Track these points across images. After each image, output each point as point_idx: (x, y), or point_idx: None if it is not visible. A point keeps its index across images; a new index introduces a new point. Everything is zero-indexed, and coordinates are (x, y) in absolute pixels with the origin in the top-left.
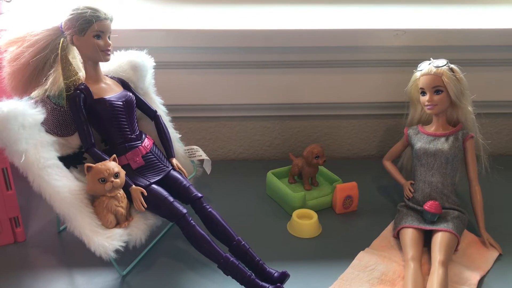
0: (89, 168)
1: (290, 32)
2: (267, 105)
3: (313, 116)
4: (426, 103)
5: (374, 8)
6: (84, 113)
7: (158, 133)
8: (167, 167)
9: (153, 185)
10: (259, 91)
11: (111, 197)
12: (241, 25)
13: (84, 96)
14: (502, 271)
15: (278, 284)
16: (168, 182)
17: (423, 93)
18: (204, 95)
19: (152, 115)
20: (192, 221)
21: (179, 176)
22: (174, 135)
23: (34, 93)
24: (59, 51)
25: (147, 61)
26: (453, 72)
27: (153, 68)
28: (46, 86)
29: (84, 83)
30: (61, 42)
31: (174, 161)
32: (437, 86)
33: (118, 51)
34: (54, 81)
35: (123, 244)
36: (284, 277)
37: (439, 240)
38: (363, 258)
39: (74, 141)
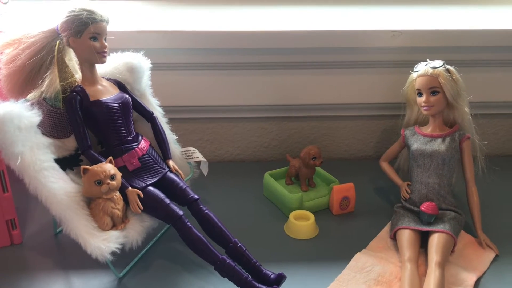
0: (85, 170)
1: (287, 33)
2: (265, 106)
3: (310, 117)
4: (423, 104)
5: (370, 9)
6: (80, 115)
7: (154, 135)
8: (164, 169)
9: (150, 187)
10: (257, 92)
11: (107, 199)
12: (238, 26)
13: (80, 98)
14: (498, 272)
15: (275, 286)
16: (165, 184)
17: (420, 94)
18: (201, 97)
19: (149, 116)
20: (188, 223)
21: (176, 178)
22: (171, 136)
23: (30, 95)
24: (55, 53)
25: (143, 63)
26: (450, 73)
27: (150, 70)
28: (43, 88)
29: (80, 85)
30: (57, 44)
31: (171, 163)
32: (433, 87)
33: (114, 52)
34: (50, 83)
35: (120, 246)
36: (280, 279)
37: (435, 241)
38: (359, 259)
39: (71, 143)
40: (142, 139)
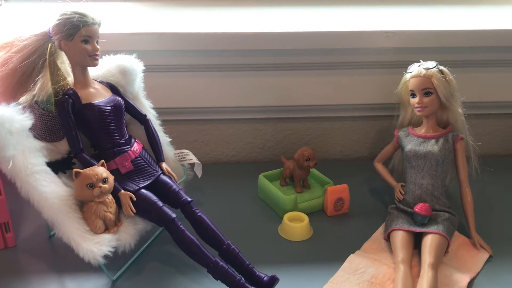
0: (77, 173)
1: (280, 34)
2: (260, 107)
3: (305, 118)
4: (416, 105)
5: (364, 10)
6: (73, 118)
7: (147, 137)
8: (157, 171)
9: (142, 190)
10: (251, 93)
11: (100, 202)
12: (232, 27)
13: (72, 101)
14: (492, 273)
15: None
16: (158, 187)
17: (413, 95)
18: (196, 98)
19: (142, 119)
20: (181, 226)
21: (169, 181)
22: (164, 139)
23: (22, 99)
24: (47, 56)
25: (136, 65)
26: (443, 74)
27: (143, 72)
28: (34, 92)
29: (72, 88)
30: (49, 47)
31: (164, 165)
32: (426, 88)
33: (107, 55)
34: (42, 86)
35: (112, 250)
36: (273, 281)
37: (429, 243)
38: (353, 261)
39: (63, 146)
40: (135, 141)
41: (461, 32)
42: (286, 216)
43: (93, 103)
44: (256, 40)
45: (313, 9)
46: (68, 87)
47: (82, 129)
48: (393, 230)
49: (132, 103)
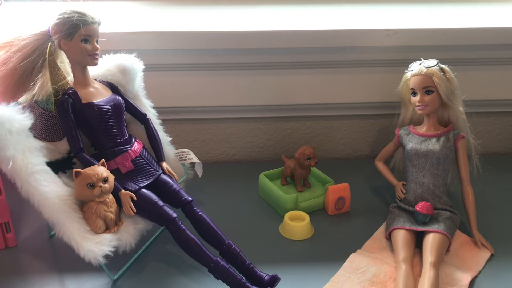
0: (77, 173)
1: (281, 33)
2: (260, 106)
3: (306, 117)
4: (417, 104)
5: (365, 8)
6: (73, 117)
7: (148, 137)
8: (157, 171)
9: (143, 190)
10: (251, 92)
11: (100, 202)
12: (232, 26)
13: (72, 101)
14: (493, 272)
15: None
16: (158, 186)
17: (414, 93)
18: (196, 97)
19: (142, 118)
20: (182, 225)
21: (169, 180)
22: (165, 138)
23: (22, 98)
24: (47, 56)
25: (136, 64)
26: (444, 72)
27: (143, 71)
28: (34, 91)
29: (72, 88)
30: (48, 47)
31: (164, 164)
32: (427, 86)
33: (106, 54)
34: (42, 86)
35: (113, 249)
36: (274, 280)
37: (430, 242)
38: (354, 260)
39: (63, 146)
40: (135, 141)
41: (462, 30)
42: (287, 215)
43: (93, 102)
44: (256, 39)
45: (313, 7)
46: (68, 86)
47: (82, 128)
48: (395, 229)
49: (132, 102)
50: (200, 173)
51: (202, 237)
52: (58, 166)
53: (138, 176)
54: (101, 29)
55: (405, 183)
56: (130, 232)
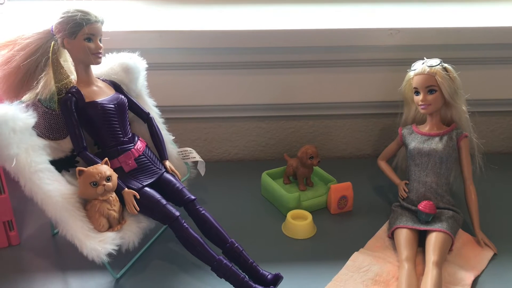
0: (80, 171)
1: (283, 32)
2: (262, 105)
3: (308, 116)
4: (420, 103)
5: (367, 7)
6: (76, 116)
7: (151, 135)
8: (160, 169)
9: (146, 188)
10: (254, 91)
11: (103, 200)
12: (234, 25)
13: (75, 100)
14: (496, 271)
15: (271, 286)
16: (161, 185)
17: (417, 92)
18: (198, 96)
19: (145, 117)
20: (185, 224)
21: (172, 179)
22: (168, 137)
23: (26, 97)
24: (50, 54)
25: (139, 63)
26: (447, 72)
27: (146, 70)
28: (38, 90)
29: (75, 86)
30: (52, 45)
31: (167, 163)
32: (430, 85)
33: (110, 53)
34: (45, 84)
35: (116, 248)
36: (277, 279)
37: (433, 241)
38: (357, 259)
39: (66, 144)
40: (139, 139)
41: (465, 30)
42: (289, 214)
43: (96, 101)
44: (259, 38)
45: (315, 6)
46: (71, 85)
47: (85, 127)
48: (397, 228)
49: (135, 101)
50: (202, 172)
51: (205, 235)
52: (61, 164)
53: (141, 174)
54: (105, 28)
55: (407, 182)
56: (133, 230)
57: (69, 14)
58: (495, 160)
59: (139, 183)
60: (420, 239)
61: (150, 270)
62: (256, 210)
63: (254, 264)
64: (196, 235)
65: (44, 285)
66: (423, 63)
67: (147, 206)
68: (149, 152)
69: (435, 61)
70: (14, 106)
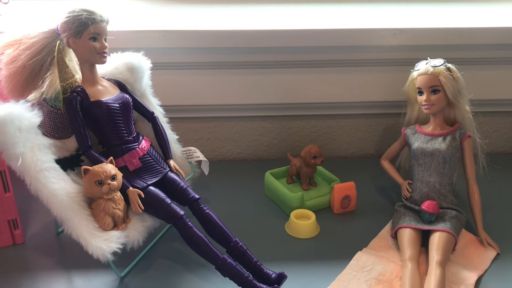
0: (85, 170)
1: (287, 32)
2: (265, 105)
3: (311, 116)
4: (423, 103)
5: (371, 8)
6: (81, 115)
7: (155, 135)
8: (165, 168)
9: (150, 187)
10: (257, 91)
11: (108, 199)
12: (238, 25)
13: (80, 99)
14: (499, 271)
15: (276, 285)
16: (166, 184)
17: (420, 92)
18: (202, 96)
19: (150, 116)
20: (189, 223)
21: (177, 178)
22: (172, 136)
23: (31, 96)
24: (56, 54)
25: (144, 63)
26: (450, 72)
27: (150, 69)
28: (43, 89)
29: (80, 86)
30: (57, 45)
31: (172, 162)
32: (434, 85)
33: (114, 53)
34: (50, 83)
35: (121, 246)
36: (281, 278)
37: (436, 240)
38: (360, 258)
39: (71, 143)
40: (143, 139)
41: (468, 30)
42: (293, 214)
43: (101, 100)
44: (263, 37)
45: (320, 6)
46: (76, 84)
47: (90, 126)
48: (401, 227)
49: (139, 100)
50: (206, 171)
51: (209, 234)
52: (66, 163)
53: (145, 173)
54: (110, 27)
55: (411, 182)
56: (137, 229)
57: (75, 14)
58: (498, 160)
59: (144, 182)
60: (423, 239)
61: (155, 269)
62: (259, 210)
63: (258, 263)
64: (200, 234)
65: (48, 283)
66: (426, 63)
67: (151, 205)
68: (154, 151)
69: (438, 61)
70: (20, 105)
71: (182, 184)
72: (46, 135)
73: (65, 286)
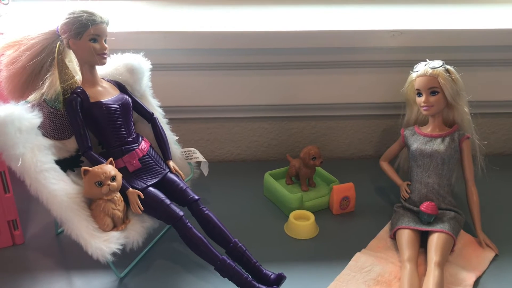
0: (85, 171)
1: (287, 33)
2: (265, 106)
3: (311, 117)
4: (422, 104)
5: (370, 9)
6: (81, 116)
7: (155, 136)
8: (164, 169)
9: (150, 188)
10: (257, 92)
11: (108, 200)
12: (238, 26)
13: (80, 100)
14: (498, 272)
15: (275, 286)
16: (165, 185)
17: (419, 94)
18: (202, 97)
19: (149, 117)
20: (188, 224)
21: (176, 179)
22: (171, 137)
23: (31, 97)
24: (56, 55)
25: (143, 64)
26: (449, 73)
27: (150, 71)
28: (43, 90)
29: (80, 87)
30: (57, 46)
31: (171, 163)
32: (433, 87)
33: (114, 54)
34: (50, 84)
35: (120, 247)
36: (280, 279)
37: (435, 241)
38: (359, 259)
39: (71, 144)
40: (143, 140)
41: (467, 31)
42: (292, 215)
43: (101, 101)
44: (262, 39)
45: (318, 8)
46: (77, 85)
47: (90, 127)
48: (399, 228)
49: (139, 101)
50: (206, 172)
51: (208, 235)
52: (66, 164)
53: (145, 174)
54: (110, 29)
55: (409, 183)
56: (137, 230)
57: (75, 15)
58: (496, 162)
59: (143, 183)
60: (422, 239)
61: (154, 270)
62: (258, 211)
63: (257, 264)
64: (199, 235)
65: (48, 284)
66: (425, 64)
67: (151, 206)
68: (153, 152)
69: (437, 63)
70: (20, 106)
71: (181, 185)
72: (46, 136)
73: (65, 286)
